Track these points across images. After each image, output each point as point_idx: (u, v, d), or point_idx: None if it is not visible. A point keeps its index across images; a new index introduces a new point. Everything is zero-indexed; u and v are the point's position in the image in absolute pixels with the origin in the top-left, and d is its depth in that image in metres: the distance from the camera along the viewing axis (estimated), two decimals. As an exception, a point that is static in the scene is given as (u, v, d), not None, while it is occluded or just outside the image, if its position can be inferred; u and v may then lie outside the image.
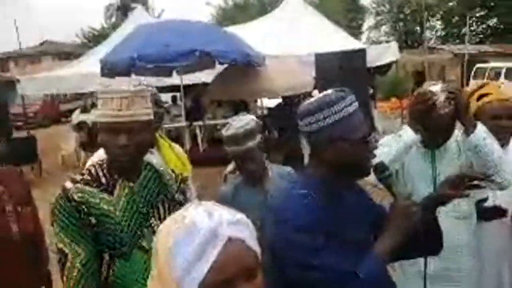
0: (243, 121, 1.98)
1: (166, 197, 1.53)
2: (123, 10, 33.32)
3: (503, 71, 16.09)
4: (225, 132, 1.98)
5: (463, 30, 28.45)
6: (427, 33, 31.75)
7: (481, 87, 2.32)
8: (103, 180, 1.42)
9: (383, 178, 1.42)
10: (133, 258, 1.38)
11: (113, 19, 35.26)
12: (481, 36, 32.53)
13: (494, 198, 2.13)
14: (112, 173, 1.44)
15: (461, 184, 1.47)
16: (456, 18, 32.57)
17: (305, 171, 1.46)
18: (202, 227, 0.73)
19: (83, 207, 1.35)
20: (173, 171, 1.64)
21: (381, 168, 1.42)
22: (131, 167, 1.45)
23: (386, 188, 1.42)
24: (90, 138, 9.75)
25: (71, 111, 15.09)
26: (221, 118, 9.48)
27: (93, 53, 10.90)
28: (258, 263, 0.78)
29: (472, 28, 29.93)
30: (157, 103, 2.00)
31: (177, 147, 2.33)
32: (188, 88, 9.32)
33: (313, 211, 1.29)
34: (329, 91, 1.37)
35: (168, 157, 2.14)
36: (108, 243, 1.36)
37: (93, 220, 1.35)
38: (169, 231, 0.76)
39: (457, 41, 30.06)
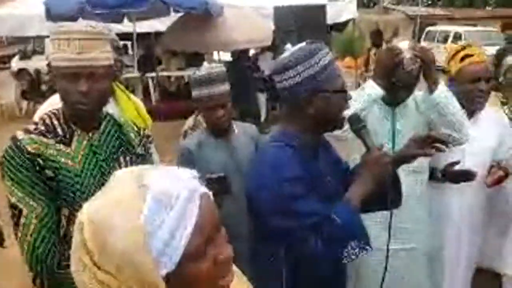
0: (214, 65, 1.93)
1: (127, 150, 1.44)
2: None
3: (451, 34, 16.67)
4: (198, 73, 1.91)
5: (417, -9, 28.93)
6: (382, -7, 31.94)
7: (465, 47, 2.29)
8: (59, 130, 1.31)
9: (357, 129, 1.43)
10: None
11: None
12: (433, -2, 33.31)
13: (464, 162, 2.17)
14: (69, 123, 1.33)
15: (425, 143, 1.51)
16: (411, -21, 32.95)
17: (281, 125, 1.47)
18: (180, 191, 0.68)
19: (38, 159, 1.24)
20: (134, 123, 1.55)
21: (356, 120, 1.44)
22: (91, 116, 1.35)
23: (360, 139, 1.44)
24: (32, 86, 9.15)
25: (9, 57, 13.96)
26: (175, 70, 9.16)
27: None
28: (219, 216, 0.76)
29: (425, -10, 30.47)
30: (116, 49, 1.85)
31: (135, 99, 2.21)
32: (140, 36, 8.83)
33: (295, 162, 1.33)
34: (303, 44, 1.38)
35: (126, 109, 2.02)
36: (67, 197, 1.28)
37: (50, 173, 1.25)
38: (132, 205, 0.66)
39: (410, 2, 30.58)
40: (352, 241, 1.33)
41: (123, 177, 0.71)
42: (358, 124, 1.43)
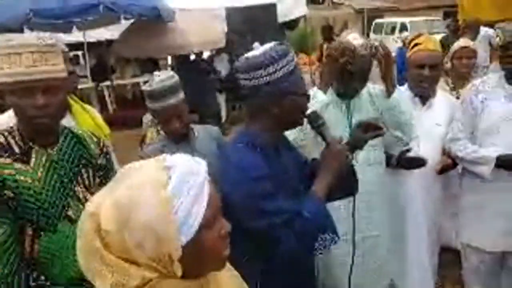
0: (164, 76, 1.89)
1: (89, 162, 1.43)
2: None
3: (398, 26, 17.35)
4: (147, 88, 1.88)
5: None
6: (331, -11, 32.66)
7: (417, 36, 2.44)
8: (16, 148, 1.28)
9: (317, 126, 1.48)
10: (59, 231, 1.29)
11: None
12: (379, -8, 34.39)
13: (419, 148, 2.28)
14: (26, 140, 1.30)
15: (370, 128, 1.65)
16: (356, -26, 33.85)
17: (246, 125, 1.50)
18: (199, 170, 0.81)
19: None
20: (93, 134, 1.54)
21: (315, 117, 1.49)
22: (50, 131, 1.33)
23: (320, 136, 1.50)
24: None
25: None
26: (130, 78, 9.00)
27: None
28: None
29: (370, -16, 31.40)
30: (69, 61, 1.83)
31: (91, 109, 2.18)
32: (91, 46, 8.61)
33: (260, 161, 1.36)
34: (272, 45, 1.40)
35: (82, 120, 2.00)
36: (30, 216, 1.25)
37: (10, 194, 1.23)
38: (157, 183, 0.76)
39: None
40: (322, 234, 1.37)
41: (144, 165, 0.81)
42: (317, 121, 1.48)
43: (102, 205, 0.75)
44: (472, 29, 4.48)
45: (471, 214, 2.36)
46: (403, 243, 2.42)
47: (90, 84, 7.87)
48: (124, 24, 6.85)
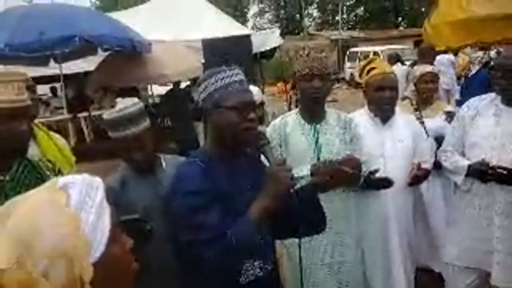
0: (125, 104, 1.78)
1: None
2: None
3: (371, 54, 17.99)
4: (107, 116, 1.78)
5: (337, 18, 30.93)
6: (306, 20, 33.78)
7: (369, 62, 2.57)
8: None
9: (260, 146, 1.45)
10: None
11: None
12: (352, 23, 35.76)
13: (385, 166, 2.38)
14: None
15: (337, 173, 1.62)
16: (330, 6, 35.21)
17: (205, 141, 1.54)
18: (98, 185, 0.79)
19: None
20: (49, 161, 1.55)
21: (259, 136, 1.48)
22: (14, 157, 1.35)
23: (263, 155, 1.47)
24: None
25: None
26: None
27: None
28: None
29: (344, 16, 32.69)
30: (32, 88, 1.88)
31: (57, 136, 2.17)
32: (69, 78, 8.63)
33: (199, 176, 1.35)
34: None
35: (46, 148, 1.99)
36: None
37: None
38: (56, 203, 0.73)
39: (332, 27, 32.57)
40: (248, 259, 1.35)
41: (33, 193, 0.75)
42: (260, 140, 1.45)
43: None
44: (430, 55, 4.80)
45: (455, 232, 2.40)
46: (379, 266, 2.42)
47: (66, 115, 7.84)
48: (102, 55, 6.94)
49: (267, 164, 1.45)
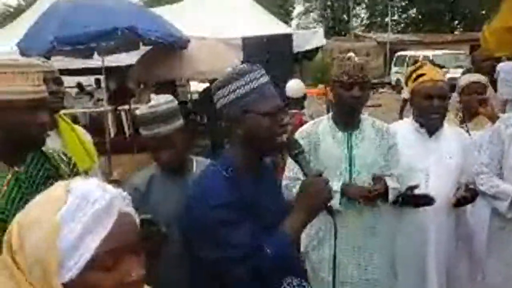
0: (158, 101, 1.69)
1: (56, 182, 1.39)
2: (40, -14, 30.79)
3: (420, 58, 17.24)
4: (138, 112, 1.72)
5: (386, 19, 30.02)
6: (353, 21, 33.08)
7: (418, 68, 2.37)
8: None
9: (295, 154, 1.38)
10: None
11: (30, -5, 32.54)
12: (403, 25, 34.57)
13: (428, 183, 2.21)
14: None
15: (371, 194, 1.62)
16: (380, 7, 34.25)
17: (227, 147, 1.43)
18: (97, 198, 0.71)
19: None
20: (64, 153, 1.52)
21: (293, 144, 1.39)
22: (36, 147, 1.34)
23: (297, 165, 1.40)
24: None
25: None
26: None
27: (7, 31, 9.92)
28: (140, 241, 0.78)
29: (394, 18, 31.70)
30: (57, 81, 1.83)
31: (80, 129, 2.14)
32: (112, 70, 8.84)
33: (227, 188, 1.26)
34: (236, 65, 1.37)
35: (69, 141, 1.97)
36: None
37: None
38: (53, 204, 0.70)
39: (381, 29, 31.70)
40: (286, 276, 1.26)
41: (56, 184, 0.77)
42: (295, 149, 1.38)
43: (15, 219, 0.73)
44: (483, 62, 4.41)
45: (497, 259, 2.22)
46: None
47: (107, 107, 8.02)
48: (143, 49, 7.05)
49: (301, 173, 1.38)
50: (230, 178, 1.29)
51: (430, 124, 2.30)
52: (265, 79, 1.33)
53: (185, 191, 1.62)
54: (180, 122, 1.72)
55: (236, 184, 1.29)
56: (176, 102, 1.77)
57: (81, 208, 0.69)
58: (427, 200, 2.12)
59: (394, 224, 2.22)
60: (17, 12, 28.24)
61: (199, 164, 1.82)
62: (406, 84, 2.42)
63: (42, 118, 1.27)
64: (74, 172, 1.47)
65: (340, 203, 1.96)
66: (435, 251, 2.24)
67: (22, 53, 5.96)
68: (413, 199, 2.13)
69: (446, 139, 2.31)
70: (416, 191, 2.11)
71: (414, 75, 2.33)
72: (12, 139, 1.27)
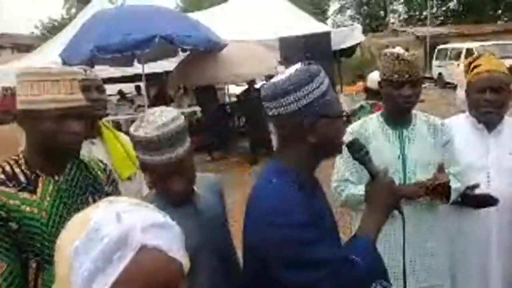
0: (166, 119, 1.26)
1: (96, 190, 1.37)
2: (83, 0, 32.17)
3: (464, 51, 16.49)
4: (135, 133, 1.26)
5: (425, 13, 29.05)
6: (390, 17, 32.29)
7: (475, 59, 2.21)
8: (22, 178, 1.24)
9: (360, 156, 1.30)
10: None
11: (73, 10, 34.04)
12: (442, 18, 33.37)
13: (489, 182, 2.05)
14: (33, 169, 1.26)
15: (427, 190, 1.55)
16: (418, 1, 33.24)
17: (277, 158, 1.29)
18: (108, 233, 0.60)
19: (1, 212, 1.17)
20: (100, 161, 1.50)
21: (358, 146, 1.30)
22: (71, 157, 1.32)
23: (363, 166, 1.31)
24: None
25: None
26: (187, 107, 9.31)
27: (51, 43, 10.40)
28: (182, 276, 0.65)
29: (433, 11, 30.62)
30: (100, 89, 1.83)
31: (123, 137, 2.10)
32: (152, 77, 9.04)
33: (302, 202, 1.15)
34: (298, 67, 1.20)
35: (112, 148, 1.96)
36: (34, 249, 1.19)
37: (14, 226, 1.17)
38: (73, 232, 0.63)
39: (419, 23, 30.72)
40: (374, 281, 1.18)
41: (91, 206, 0.68)
42: (360, 151, 1.29)
43: None
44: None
45: None
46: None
47: (147, 113, 8.22)
48: (181, 55, 7.15)
49: (367, 174, 1.32)
50: (301, 193, 1.19)
51: (485, 119, 2.14)
52: (327, 80, 1.24)
53: (199, 218, 1.40)
54: (189, 140, 1.36)
55: (307, 198, 1.20)
56: (183, 117, 1.36)
57: (91, 241, 0.60)
58: (489, 201, 1.97)
59: (454, 225, 2.08)
60: (61, 25, 29.69)
61: (199, 183, 1.46)
62: (465, 76, 2.27)
63: (73, 126, 1.23)
64: (110, 179, 1.46)
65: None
66: (498, 255, 2.08)
67: (64, 63, 6.20)
68: (474, 200, 1.99)
69: (507, 134, 2.15)
70: (477, 191, 1.97)
71: (471, 66, 2.18)
72: (46, 148, 1.25)
